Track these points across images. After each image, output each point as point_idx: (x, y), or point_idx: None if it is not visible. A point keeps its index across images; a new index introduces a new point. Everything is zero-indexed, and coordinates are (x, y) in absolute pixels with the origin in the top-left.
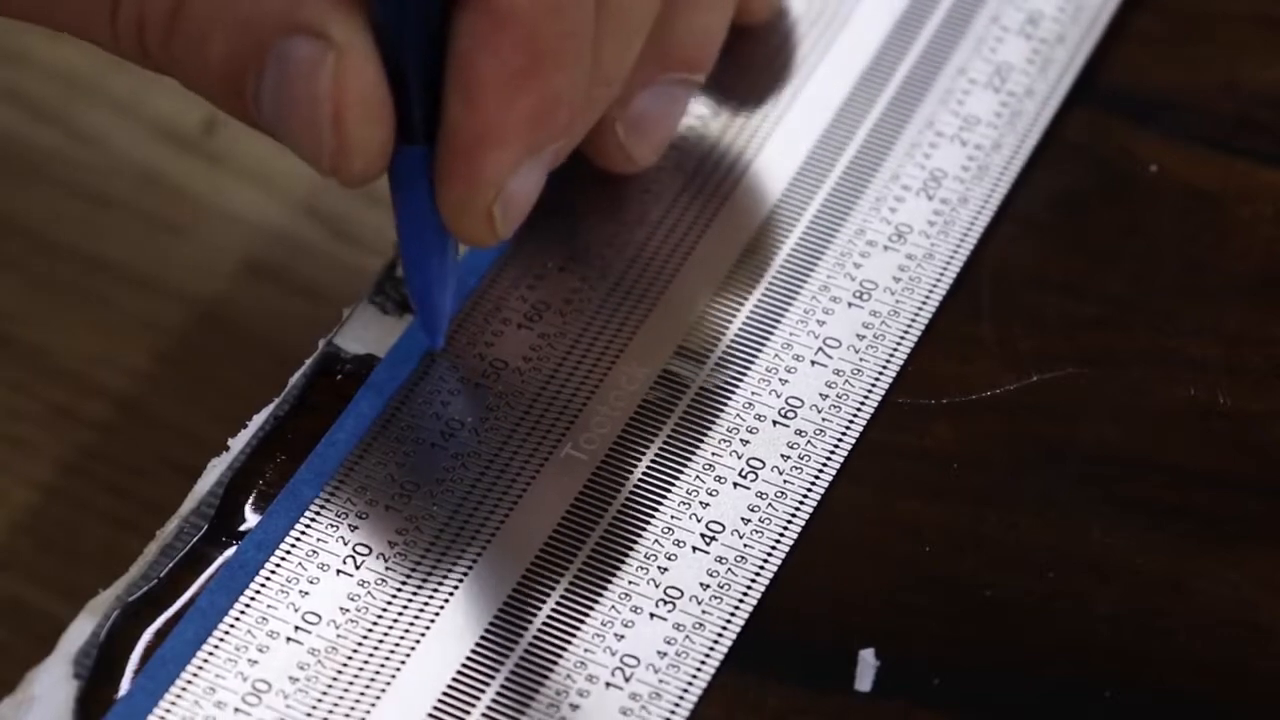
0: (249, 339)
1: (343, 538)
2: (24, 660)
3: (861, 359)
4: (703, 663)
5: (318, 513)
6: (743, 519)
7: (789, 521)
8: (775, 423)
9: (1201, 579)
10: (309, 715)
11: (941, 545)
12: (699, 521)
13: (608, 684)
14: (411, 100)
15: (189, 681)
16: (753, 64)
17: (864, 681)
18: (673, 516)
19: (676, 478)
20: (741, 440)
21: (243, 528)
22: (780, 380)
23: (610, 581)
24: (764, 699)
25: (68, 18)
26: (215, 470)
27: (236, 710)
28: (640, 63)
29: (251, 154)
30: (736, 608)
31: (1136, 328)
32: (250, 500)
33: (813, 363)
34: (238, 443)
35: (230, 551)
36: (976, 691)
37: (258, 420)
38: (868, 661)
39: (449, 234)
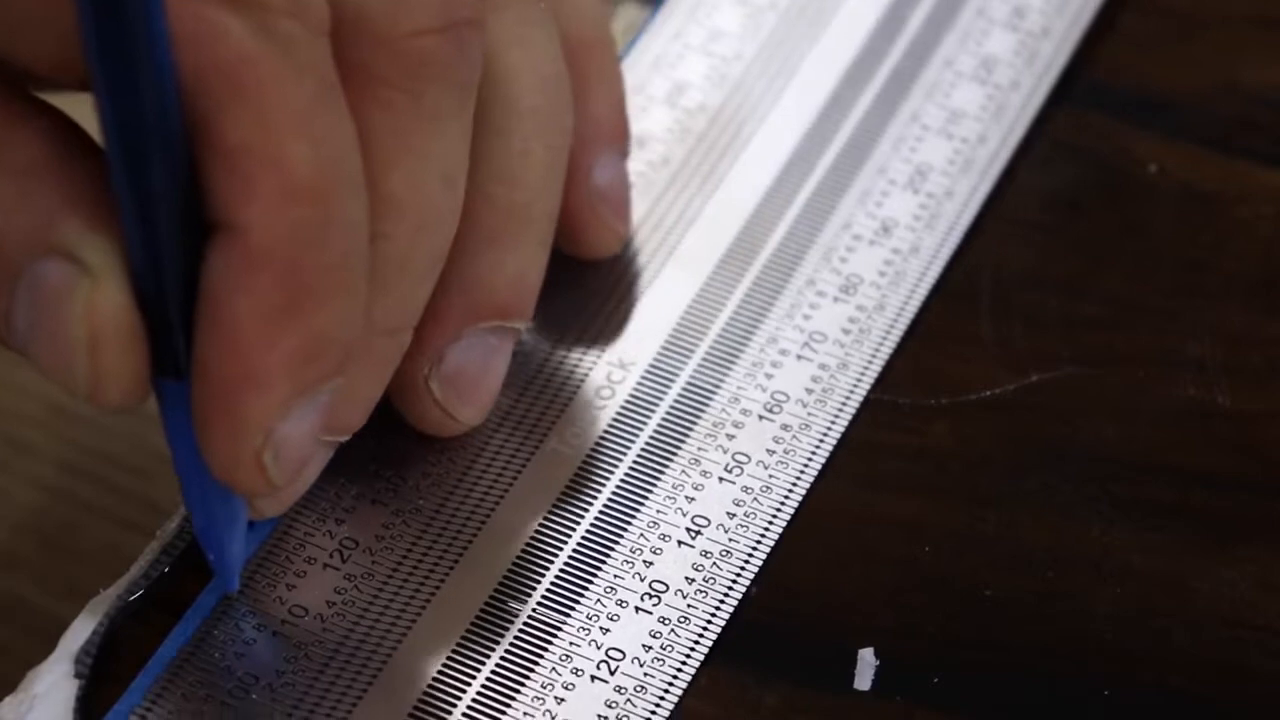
0: None
1: (330, 531)
2: (25, 659)
3: (847, 354)
4: (687, 657)
5: (304, 508)
6: (728, 513)
7: (774, 516)
8: (761, 417)
9: (1201, 579)
10: (295, 707)
11: (941, 545)
12: (684, 516)
13: (593, 677)
14: (170, 333)
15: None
16: (737, 59)
17: (864, 681)
18: (658, 510)
19: (663, 471)
20: (728, 435)
21: None
22: (766, 375)
23: (595, 576)
24: (763, 698)
25: None
26: None
27: (224, 704)
28: (448, 312)
29: None
30: (721, 602)
31: (1136, 328)
32: None
33: (798, 357)
34: None
35: None
36: (976, 691)
37: None
38: (868, 661)
39: None
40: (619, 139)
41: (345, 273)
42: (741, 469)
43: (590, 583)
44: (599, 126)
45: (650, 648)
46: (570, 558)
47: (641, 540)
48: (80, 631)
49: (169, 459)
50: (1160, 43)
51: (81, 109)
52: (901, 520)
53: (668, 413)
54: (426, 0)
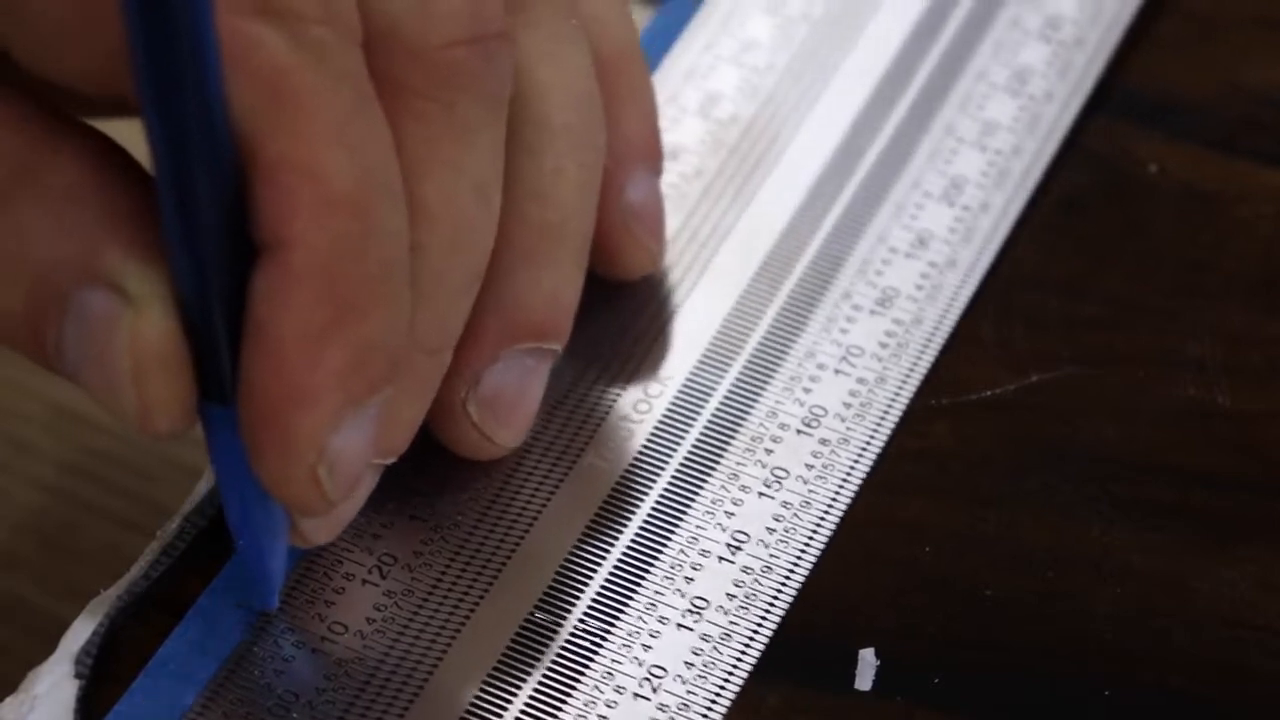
0: None
1: (368, 547)
2: (26, 659)
3: (885, 367)
4: (730, 673)
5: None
6: (768, 529)
7: (814, 531)
8: (799, 432)
9: (1201, 579)
10: None
11: (941, 545)
12: (724, 531)
13: (635, 694)
14: (216, 358)
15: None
16: (769, 70)
17: (864, 681)
18: (698, 526)
19: (702, 487)
20: (766, 450)
21: None
22: (803, 389)
23: (636, 592)
24: (764, 699)
25: None
26: None
27: None
28: (484, 333)
29: None
30: (764, 617)
31: (1136, 328)
32: None
33: (836, 371)
34: None
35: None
36: (976, 691)
37: None
38: (868, 661)
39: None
40: (652, 157)
41: (387, 283)
42: (780, 484)
43: (631, 599)
44: (631, 144)
45: (693, 665)
46: (610, 574)
47: (681, 556)
48: (80, 632)
49: (170, 460)
50: (1162, 44)
51: (118, 132)
52: (902, 521)
53: (705, 428)
54: (456, 13)
